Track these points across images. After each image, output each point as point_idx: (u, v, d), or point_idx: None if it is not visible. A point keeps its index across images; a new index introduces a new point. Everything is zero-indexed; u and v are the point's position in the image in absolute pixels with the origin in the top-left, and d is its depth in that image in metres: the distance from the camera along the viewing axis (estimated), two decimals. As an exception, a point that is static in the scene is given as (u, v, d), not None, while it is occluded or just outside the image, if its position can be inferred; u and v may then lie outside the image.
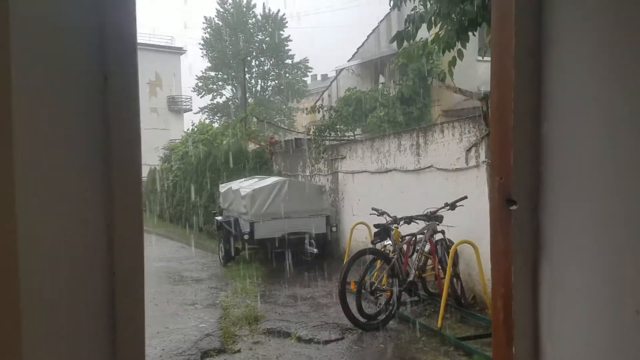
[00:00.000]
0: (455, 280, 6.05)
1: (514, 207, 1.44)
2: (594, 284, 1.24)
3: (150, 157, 24.63)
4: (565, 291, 1.32)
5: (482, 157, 6.27)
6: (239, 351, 5.16)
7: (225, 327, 5.82)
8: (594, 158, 1.25)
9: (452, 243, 6.04)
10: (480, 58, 14.95)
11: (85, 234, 1.06)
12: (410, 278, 5.98)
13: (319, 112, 11.16)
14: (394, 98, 16.45)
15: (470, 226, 6.37)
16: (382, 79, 20.11)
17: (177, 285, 8.17)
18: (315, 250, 8.55)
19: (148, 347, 5.22)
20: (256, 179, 10.30)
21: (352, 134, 12.36)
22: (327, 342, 5.34)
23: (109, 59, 1.09)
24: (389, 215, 6.37)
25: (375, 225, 6.19)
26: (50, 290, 0.96)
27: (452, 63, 5.72)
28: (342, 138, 10.22)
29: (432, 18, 5.39)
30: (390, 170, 8.50)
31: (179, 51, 36.92)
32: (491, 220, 1.59)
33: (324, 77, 41.54)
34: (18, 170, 0.93)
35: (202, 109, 39.79)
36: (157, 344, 5.35)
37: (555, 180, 1.37)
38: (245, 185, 9.74)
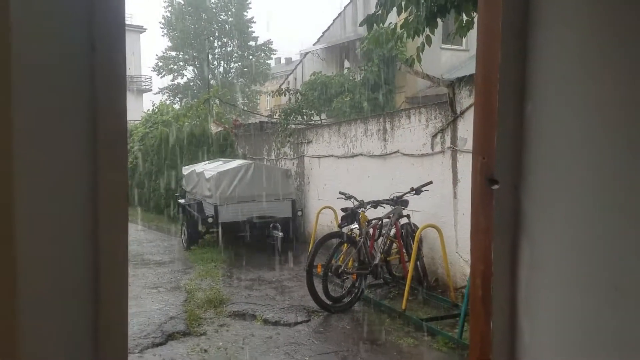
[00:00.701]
0: (419, 263, 6.18)
1: (495, 187, 1.46)
2: (573, 262, 1.27)
3: (108, 138, 23.81)
4: (543, 269, 1.35)
5: (448, 143, 6.38)
6: (204, 334, 5.12)
7: (190, 310, 5.75)
8: (576, 140, 1.28)
9: (417, 227, 6.15)
10: (444, 46, 15.15)
11: (68, 210, 1.01)
12: (376, 261, 6.05)
13: (284, 95, 11.07)
14: (359, 84, 16.48)
15: (435, 211, 6.50)
16: (347, 64, 20.11)
17: (139, 269, 8.00)
18: (281, 234, 8.53)
19: (110, 331, 5.11)
20: (221, 162, 10.16)
21: (318, 119, 12.33)
22: (293, 324, 5.37)
23: (97, 29, 1.04)
24: (356, 200, 6.42)
25: (343, 209, 6.22)
26: (37, 277, 0.92)
27: (421, 49, 5.77)
28: (308, 122, 10.18)
29: (402, 3, 5.41)
30: (357, 155, 8.54)
31: (139, 29, 35.67)
32: (472, 199, 1.61)
33: (289, 60, 41.15)
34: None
35: (162, 90, 38.81)
36: (120, 327, 5.24)
37: (537, 160, 1.40)
38: (210, 167, 9.59)
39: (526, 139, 1.44)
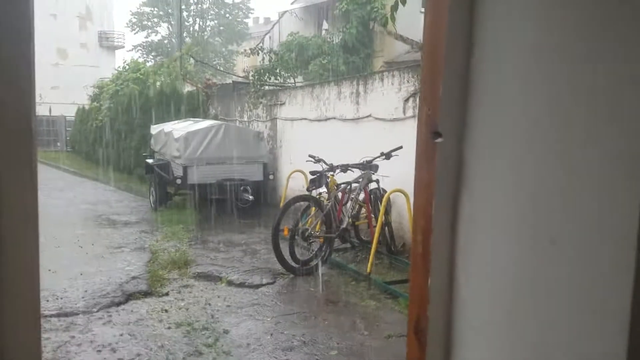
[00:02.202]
0: (386, 228, 6.18)
1: (439, 140, 1.39)
2: (511, 216, 1.23)
3: (79, 95, 23.14)
4: (482, 224, 1.30)
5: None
6: (166, 294, 5.07)
7: (153, 270, 5.68)
8: (520, 92, 1.21)
9: (386, 192, 6.12)
10: (424, 10, 14.90)
11: None
12: (344, 225, 6.03)
13: (257, 54, 10.76)
14: (337, 46, 16.16)
15: (404, 176, 6.47)
16: (325, 25, 19.68)
17: (104, 229, 7.86)
18: (251, 197, 8.44)
19: (70, 288, 5.03)
20: (190, 122, 9.91)
21: (292, 81, 12.08)
22: (258, 286, 5.35)
23: None
24: (325, 163, 6.34)
25: (311, 173, 6.14)
26: None
27: (395, 8, 5.60)
28: (282, 84, 9.95)
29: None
30: (330, 119, 8.42)
31: (111, -18, 34.25)
32: (417, 153, 1.54)
33: (267, 20, 40.14)
34: None
35: (135, 47, 37.62)
36: (80, 285, 5.15)
37: (481, 113, 1.32)
38: (179, 127, 9.35)
39: (471, 90, 1.36)
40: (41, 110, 25.60)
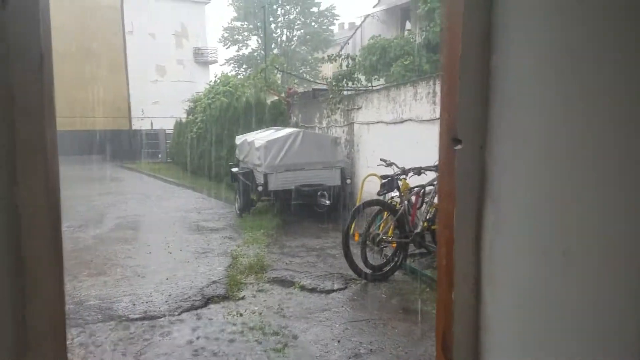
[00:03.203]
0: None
1: (458, 147, 1.33)
2: (530, 227, 1.17)
3: (177, 109, 24.79)
4: (507, 235, 1.23)
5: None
6: (242, 298, 5.25)
7: (232, 275, 5.91)
8: (543, 93, 1.13)
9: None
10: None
11: None
12: (418, 230, 5.89)
13: (335, 61, 10.85)
14: (420, 45, 15.83)
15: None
16: (408, 26, 19.38)
17: (192, 235, 8.32)
18: (328, 202, 8.51)
19: (155, 292, 5.38)
20: (272, 131, 10.22)
21: (370, 85, 12.04)
22: (329, 291, 5.38)
23: None
24: (397, 166, 6.23)
25: (382, 177, 6.07)
26: None
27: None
28: (358, 88, 9.95)
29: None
30: (406, 121, 8.27)
31: (204, 1, 36.28)
32: (439, 160, 1.47)
33: (352, 25, 40.33)
34: None
35: (227, 61, 39.52)
36: (165, 289, 5.50)
37: (502, 119, 1.25)
38: (260, 136, 9.68)
39: (491, 93, 1.29)
40: (144, 124, 27.77)
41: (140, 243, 7.79)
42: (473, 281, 1.38)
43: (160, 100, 29.82)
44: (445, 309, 1.44)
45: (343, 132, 10.31)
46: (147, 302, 5.12)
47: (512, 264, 1.24)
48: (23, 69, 1.02)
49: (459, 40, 1.26)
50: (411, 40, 16.61)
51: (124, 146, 26.31)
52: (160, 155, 25.10)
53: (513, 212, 1.22)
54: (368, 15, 21.45)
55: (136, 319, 4.70)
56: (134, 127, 28.59)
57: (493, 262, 1.30)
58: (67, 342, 4.06)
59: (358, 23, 29.06)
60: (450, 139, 1.35)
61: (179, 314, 4.89)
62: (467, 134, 1.31)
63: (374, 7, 21.33)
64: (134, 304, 5.05)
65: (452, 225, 1.35)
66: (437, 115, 7.41)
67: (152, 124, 27.08)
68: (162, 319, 4.76)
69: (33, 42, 1.03)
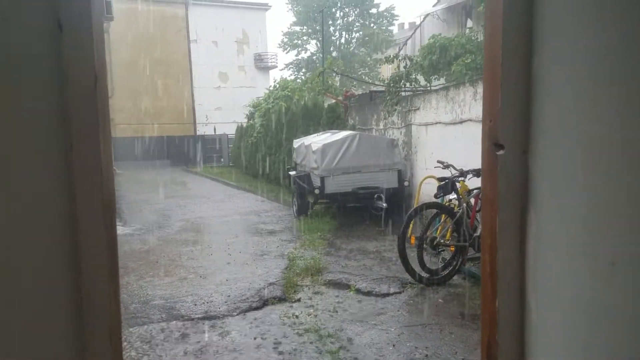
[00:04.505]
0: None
1: (501, 152, 1.31)
2: (574, 235, 1.13)
3: (239, 114, 25.47)
4: (552, 243, 1.20)
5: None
6: (298, 300, 5.31)
7: (289, 277, 5.99)
8: (588, 98, 1.09)
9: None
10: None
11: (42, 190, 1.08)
12: (477, 233, 5.72)
13: (392, 62, 10.75)
14: (482, 43, 15.38)
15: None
16: (470, 23, 18.87)
17: (251, 237, 8.52)
18: (385, 204, 8.44)
19: (215, 293, 5.55)
20: (328, 134, 10.28)
21: (429, 85, 11.83)
22: (385, 295, 5.33)
23: (63, 7, 1.08)
24: (454, 168, 6.09)
25: (439, 179, 5.95)
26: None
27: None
28: (416, 89, 9.81)
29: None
30: (465, 121, 8.07)
31: (264, 7, 37.08)
32: (482, 167, 1.45)
33: (412, 25, 39.81)
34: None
35: (287, 65, 40.16)
36: (224, 290, 5.66)
37: (545, 122, 1.21)
38: (317, 140, 9.76)
39: (533, 98, 1.27)
40: (208, 130, 28.74)
41: (202, 245, 8.06)
42: (517, 289, 1.34)
43: (223, 106, 30.77)
44: (490, 317, 1.40)
45: (400, 133, 10.19)
46: (207, 303, 5.29)
47: (557, 273, 1.20)
48: (79, 91, 1.08)
49: (499, 46, 1.23)
50: (472, 38, 16.17)
51: (189, 151, 27.35)
52: (222, 160, 25.88)
53: (557, 219, 1.18)
54: (428, 14, 21.08)
55: (197, 319, 4.86)
56: (198, 133, 29.66)
57: (537, 270, 1.25)
58: (131, 341, 4.25)
59: (418, 22, 28.63)
60: (492, 144, 1.31)
61: (237, 315, 5.02)
62: (509, 139, 1.28)
63: (433, 5, 20.94)
64: (195, 304, 5.23)
65: (495, 233, 1.31)
66: (498, 114, 7.18)
67: (215, 129, 27.98)
68: (222, 319, 4.90)
69: (88, 65, 1.09)
